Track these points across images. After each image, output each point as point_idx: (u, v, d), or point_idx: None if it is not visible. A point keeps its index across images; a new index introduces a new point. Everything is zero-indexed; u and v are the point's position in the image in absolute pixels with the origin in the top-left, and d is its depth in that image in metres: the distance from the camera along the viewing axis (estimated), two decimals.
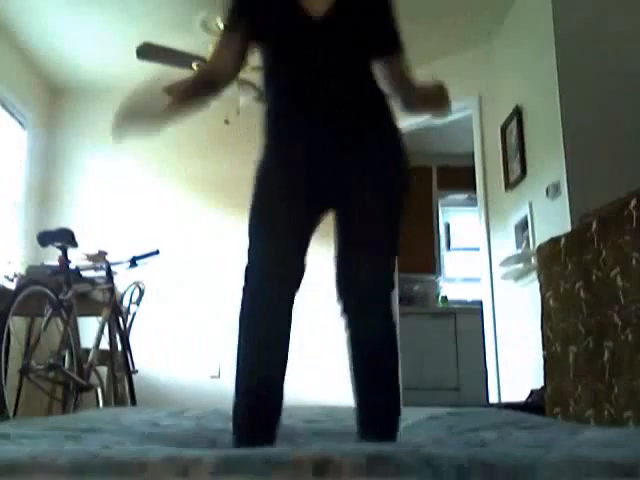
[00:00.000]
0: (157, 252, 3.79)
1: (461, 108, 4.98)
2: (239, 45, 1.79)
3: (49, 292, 3.13)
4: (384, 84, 1.80)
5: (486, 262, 4.71)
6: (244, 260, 1.72)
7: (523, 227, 4.14)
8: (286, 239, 1.68)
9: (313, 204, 1.72)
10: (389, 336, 1.68)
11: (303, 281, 1.66)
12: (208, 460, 0.83)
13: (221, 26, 4.52)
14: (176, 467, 0.83)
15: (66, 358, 3.20)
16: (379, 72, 1.79)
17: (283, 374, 1.58)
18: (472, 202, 5.66)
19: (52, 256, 3.70)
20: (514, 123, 4.29)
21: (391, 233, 1.70)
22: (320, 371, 5.10)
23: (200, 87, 1.92)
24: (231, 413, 1.55)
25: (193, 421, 1.81)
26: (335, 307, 1.69)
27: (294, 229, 1.69)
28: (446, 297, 7.01)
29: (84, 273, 3.68)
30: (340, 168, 1.69)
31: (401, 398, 1.69)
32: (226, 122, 4.68)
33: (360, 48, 1.74)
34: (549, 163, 3.77)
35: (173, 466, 0.83)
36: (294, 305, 1.63)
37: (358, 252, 1.66)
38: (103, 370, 3.88)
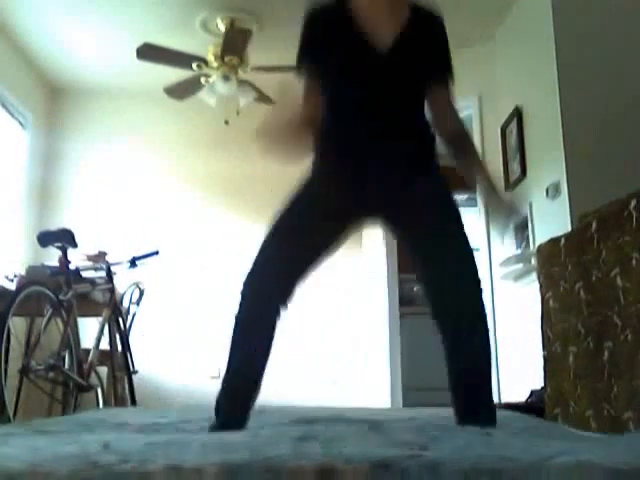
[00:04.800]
0: (157, 252, 3.79)
1: (461, 108, 4.97)
2: (319, 90, 1.84)
3: (49, 292, 3.13)
4: (433, 122, 1.90)
5: (486, 262, 4.71)
6: (248, 263, 1.78)
7: (523, 227, 4.14)
8: (293, 261, 1.78)
9: (343, 219, 1.82)
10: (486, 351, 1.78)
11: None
12: (210, 469, 0.83)
13: (221, 28, 4.53)
14: (177, 476, 0.82)
15: (66, 358, 3.20)
16: (428, 104, 1.89)
17: (260, 376, 1.72)
18: (472, 202, 5.66)
19: (52, 256, 3.70)
20: (514, 123, 4.29)
21: (468, 257, 1.85)
22: (317, 373, 5.11)
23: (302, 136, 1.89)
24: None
25: (193, 423, 1.80)
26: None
27: (308, 252, 1.79)
28: None
29: (84, 273, 3.68)
30: (387, 194, 1.79)
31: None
32: (226, 123, 4.68)
33: (420, 79, 1.86)
34: (549, 163, 3.77)
35: (174, 476, 0.82)
36: (280, 319, 1.75)
37: (445, 279, 1.78)
38: (103, 370, 3.88)
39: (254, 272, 1.77)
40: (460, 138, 1.95)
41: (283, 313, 1.76)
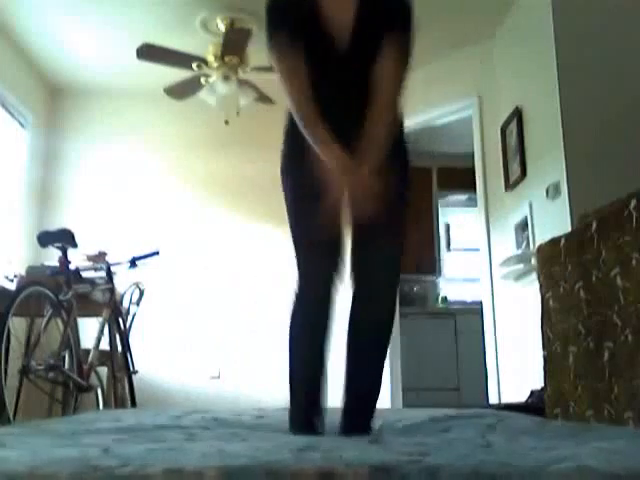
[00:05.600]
0: (157, 252, 3.79)
1: (461, 108, 4.99)
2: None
3: (49, 293, 3.13)
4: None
5: (486, 262, 4.71)
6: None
7: (523, 227, 4.14)
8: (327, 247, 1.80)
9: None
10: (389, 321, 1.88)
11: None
12: (210, 472, 0.83)
13: (221, 28, 4.52)
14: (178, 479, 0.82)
15: (66, 358, 3.20)
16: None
17: (325, 365, 1.79)
18: (472, 202, 5.66)
19: (52, 256, 3.70)
20: (514, 123, 4.29)
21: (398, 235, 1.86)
22: None
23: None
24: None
25: (194, 423, 1.80)
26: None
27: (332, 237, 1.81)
28: (446, 297, 7.01)
29: (84, 274, 3.68)
30: None
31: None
32: (226, 123, 4.68)
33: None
34: (549, 163, 3.77)
35: (174, 479, 0.82)
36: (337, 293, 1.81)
37: (369, 248, 1.82)
38: (103, 371, 3.88)
39: (301, 259, 1.81)
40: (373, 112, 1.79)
41: (339, 286, 1.80)
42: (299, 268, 1.82)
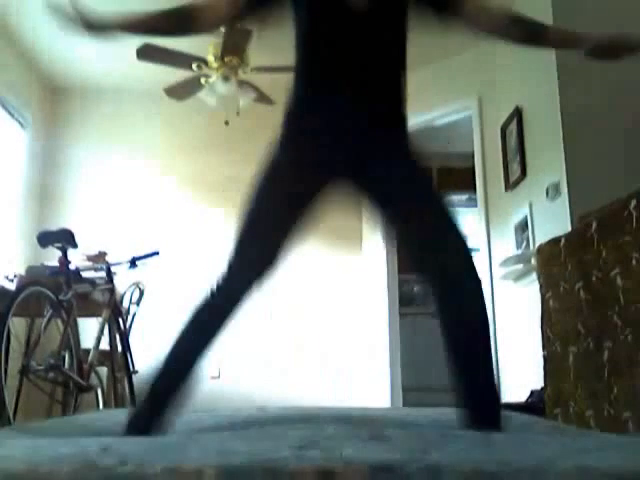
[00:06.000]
0: (157, 253, 3.79)
1: (461, 109, 4.99)
2: None
3: (49, 293, 3.13)
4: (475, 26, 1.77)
5: (486, 263, 4.71)
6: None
7: (523, 228, 4.14)
8: (276, 227, 1.73)
9: (317, 185, 1.71)
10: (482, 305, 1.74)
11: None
12: (209, 471, 0.83)
13: (222, 28, 4.52)
14: (177, 478, 0.82)
15: (66, 359, 3.20)
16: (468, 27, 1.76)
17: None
18: (472, 203, 5.67)
19: (52, 256, 3.70)
20: (514, 124, 4.29)
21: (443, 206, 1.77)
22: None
23: (169, 22, 1.72)
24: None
25: (193, 422, 1.80)
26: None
27: (287, 219, 1.72)
28: None
29: (84, 274, 3.68)
30: (360, 158, 1.69)
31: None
32: (226, 123, 4.68)
33: (400, 37, 1.72)
34: (549, 164, 3.77)
35: (174, 478, 0.83)
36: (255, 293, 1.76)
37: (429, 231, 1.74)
38: (103, 371, 3.88)
39: (239, 241, 1.75)
40: (517, 20, 1.80)
41: (263, 284, 1.75)
42: (235, 254, 1.75)
